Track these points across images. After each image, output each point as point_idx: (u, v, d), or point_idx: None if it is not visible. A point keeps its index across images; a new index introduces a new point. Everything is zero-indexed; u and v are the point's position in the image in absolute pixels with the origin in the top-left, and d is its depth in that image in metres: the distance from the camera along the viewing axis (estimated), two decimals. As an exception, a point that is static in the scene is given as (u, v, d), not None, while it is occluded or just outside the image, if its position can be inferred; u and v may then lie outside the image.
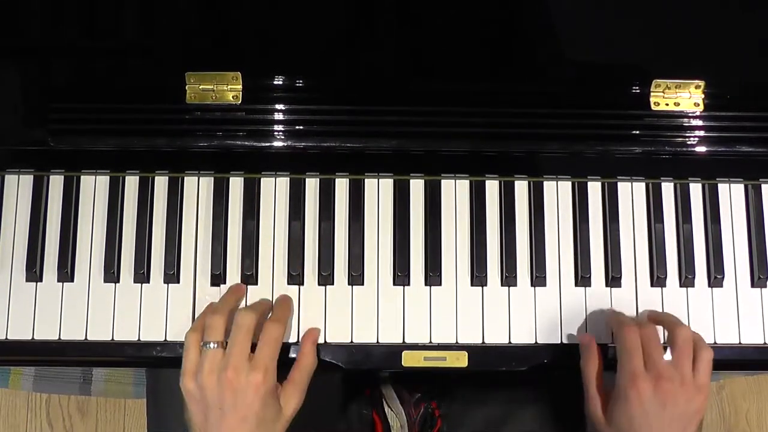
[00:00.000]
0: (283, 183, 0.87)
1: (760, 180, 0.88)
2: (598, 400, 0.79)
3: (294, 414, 0.79)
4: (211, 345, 0.76)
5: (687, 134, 0.86)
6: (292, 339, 0.84)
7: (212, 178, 0.87)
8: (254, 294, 0.85)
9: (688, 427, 0.76)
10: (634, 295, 0.86)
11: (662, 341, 0.81)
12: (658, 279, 0.86)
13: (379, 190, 0.88)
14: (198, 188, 0.87)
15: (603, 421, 0.78)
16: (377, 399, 1.18)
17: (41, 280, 0.85)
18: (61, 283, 0.85)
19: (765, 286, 0.87)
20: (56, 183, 0.87)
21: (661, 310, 0.85)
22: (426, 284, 0.86)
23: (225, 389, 0.74)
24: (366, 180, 0.87)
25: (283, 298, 0.84)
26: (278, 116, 0.85)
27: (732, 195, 0.89)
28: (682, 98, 0.86)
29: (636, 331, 0.78)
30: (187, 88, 0.84)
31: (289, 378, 0.79)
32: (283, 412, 0.77)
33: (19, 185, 0.87)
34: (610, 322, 0.84)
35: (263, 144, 0.85)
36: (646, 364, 0.76)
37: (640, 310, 0.85)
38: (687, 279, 0.86)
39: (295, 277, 0.85)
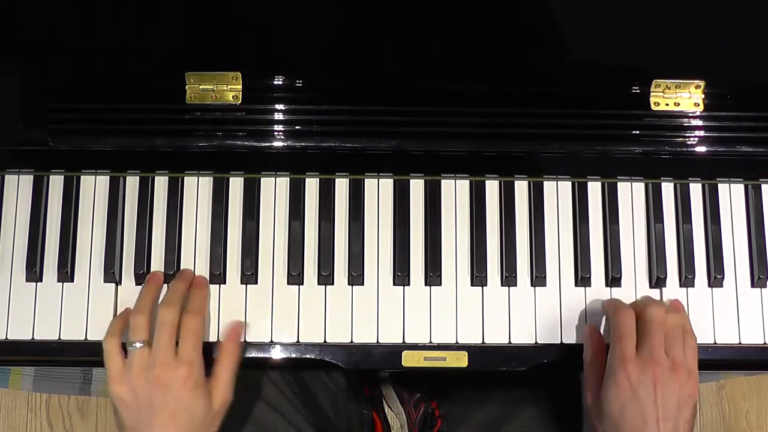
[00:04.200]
0: (283, 183, 0.87)
1: (760, 180, 0.88)
2: (593, 389, 0.79)
3: (223, 408, 0.79)
4: (137, 345, 0.77)
5: (687, 134, 0.86)
6: (292, 339, 0.84)
7: (212, 178, 0.87)
8: (254, 294, 0.85)
9: (682, 411, 0.75)
10: (634, 295, 0.86)
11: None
12: (658, 279, 0.86)
13: (379, 190, 0.88)
14: (198, 188, 0.87)
15: (596, 408, 0.78)
16: (377, 399, 1.18)
17: (41, 280, 0.85)
18: (61, 283, 0.85)
19: (765, 286, 0.87)
20: (56, 183, 0.87)
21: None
22: (426, 284, 0.86)
23: (154, 387, 0.75)
24: (366, 180, 0.87)
25: (197, 286, 0.84)
26: (278, 116, 0.85)
27: (732, 195, 0.89)
28: (682, 98, 0.86)
29: (631, 316, 0.78)
30: (187, 88, 0.84)
31: (213, 372, 0.80)
32: (213, 408, 0.78)
33: (19, 185, 0.87)
34: (606, 307, 0.84)
35: (263, 144, 0.85)
36: (641, 346, 0.76)
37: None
38: (687, 279, 0.86)
39: (295, 277, 0.85)
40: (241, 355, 0.82)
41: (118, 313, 0.84)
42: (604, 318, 0.84)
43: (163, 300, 0.81)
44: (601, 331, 0.84)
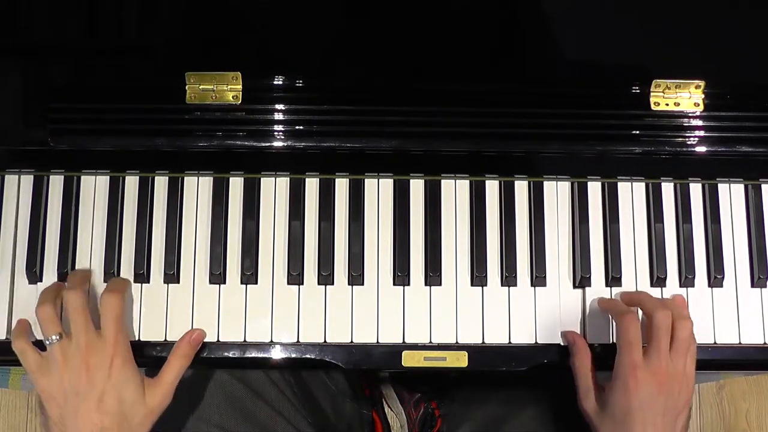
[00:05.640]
0: (283, 183, 0.87)
1: (760, 180, 0.89)
2: (592, 392, 0.80)
3: (159, 408, 0.78)
4: (54, 338, 0.76)
5: (687, 134, 0.86)
6: (292, 339, 0.84)
7: (212, 178, 0.87)
8: (254, 294, 0.85)
9: (679, 417, 0.78)
10: (634, 295, 0.86)
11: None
12: (658, 279, 0.86)
13: (379, 190, 0.88)
14: (198, 188, 0.87)
15: (597, 411, 0.79)
16: (377, 399, 1.18)
17: (41, 280, 0.85)
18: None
19: (765, 286, 0.87)
20: (56, 183, 0.87)
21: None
22: (426, 284, 0.86)
23: (80, 372, 0.75)
24: (366, 180, 0.87)
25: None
26: (278, 116, 0.85)
27: (732, 195, 0.89)
28: (682, 98, 0.86)
29: (637, 322, 0.79)
30: (187, 88, 0.84)
31: (158, 374, 0.79)
32: (146, 402, 0.77)
33: (20, 185, 0.87)
34: (608, 308, 0.84)
35: (263, 144, 0.85)
36: (649, 353, 0.77)
37: (640, 311, 0.85)
38: (687, 279, 0.86)
39: (295, 277, 0.85)
40: (190, 362, 0.81)
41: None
42: (610, 319, 0.85)
43: (65, 289, 0.80)
44: (610, 332, 0.84)
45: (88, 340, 0.76)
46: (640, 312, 0.82)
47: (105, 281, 0.85)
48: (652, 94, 0.86)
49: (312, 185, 0.87)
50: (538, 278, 0.86)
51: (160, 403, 0.78)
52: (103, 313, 0.78)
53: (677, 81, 0.85)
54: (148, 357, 0.84)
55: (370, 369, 0.92)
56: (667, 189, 0.89)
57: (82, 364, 0.75)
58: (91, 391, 0.75)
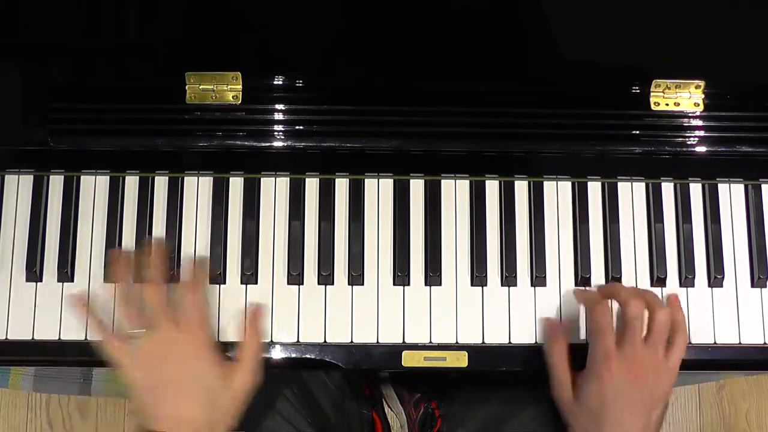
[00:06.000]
0: (283, 183, 0.87)
1: (760, 180, 0.89)
2: (567, 382, 0.80)
3: (243, 389, 0.78)
4: (137, 332, 0.77)
5: (687, 134, 0.86)
6: (292, 339, 0.84)
7: (212, 178, 0.87)
8: (254, 294, 0.85)
9: (654, 409, 0.77)
10: (634, 295, 0.86)
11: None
12: (658, 279, 0.86)
13: (379, 190, 0.88)
14: (198, 188, 0.87)
15: (570, 401, 0.79)
16: (377, 399, 1.18)
17: (41, 280, 0.85)
18: (61, 283, 0.85)
19: (765, 286, 0.87)
20: (56, 183, 0.87)
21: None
22: (426, 284, 0.86)
23: (162, 363, 0.76)
24: (366, 180, 0.87)
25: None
26: (278, 116, 0.85)
27: (732, 195, 0.89)
28: (682, 98, 0.86)
29: (608, 310, 0.79)
30: (187, 88, 0.84)
31: (236, 357, 0.80)
32: (230, 385, 0.77)
33: (19, 185, 0.87)
34: (582, 300, 0.84)
35: (263, 144, 0.85)
36: (622, 343, 0.77)
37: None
38: (687, 279, 0.86)
39: (295, 277, 0.85)
40: (260, 340, 0.81)
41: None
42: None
43: (145, 283, 0.81)
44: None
45: (168, 331, 0.77)
46: (616, 305, 0.82)
47: (105, 281, 0.85)
48: (652, 94, 0.86)
49: (312, 185, 0.87)
50: (538, 278, 0.86)
51: (244, 383, 0.78)
52: (184, 304, 0.79)
53: (677, 81, 0.85)
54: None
55: (370, 369, 0.92)
56: (667, 189, 0.89)
57: (166, 355, 0.76)
58: (171, 381, 0.76)
